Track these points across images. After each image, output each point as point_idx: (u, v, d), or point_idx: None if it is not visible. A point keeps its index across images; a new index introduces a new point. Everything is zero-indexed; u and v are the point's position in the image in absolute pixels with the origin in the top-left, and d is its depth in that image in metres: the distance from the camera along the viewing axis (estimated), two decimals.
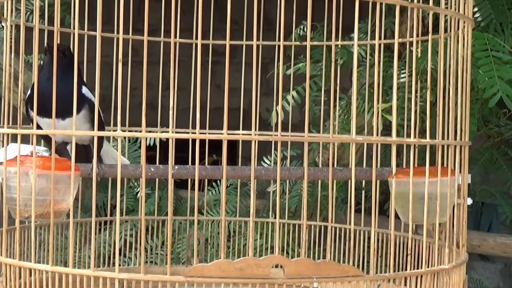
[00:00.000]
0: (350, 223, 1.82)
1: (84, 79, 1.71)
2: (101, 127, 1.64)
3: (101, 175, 1.48)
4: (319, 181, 2.06)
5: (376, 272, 1.34)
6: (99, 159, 1.69)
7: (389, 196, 1.48)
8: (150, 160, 1.66)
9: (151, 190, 2.62)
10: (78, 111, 1.53)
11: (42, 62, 2.09)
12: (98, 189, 1.72)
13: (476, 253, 3.36)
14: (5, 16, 1.44)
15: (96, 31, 1.29)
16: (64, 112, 1.44)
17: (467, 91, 1.52)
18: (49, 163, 1.31)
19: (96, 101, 1.40)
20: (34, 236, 1.32)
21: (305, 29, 2.32)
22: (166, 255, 2.27)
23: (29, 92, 1.59)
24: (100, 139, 1.71)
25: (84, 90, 1.59)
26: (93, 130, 1.31)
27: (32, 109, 1.52)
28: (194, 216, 1.65)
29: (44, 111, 1.40)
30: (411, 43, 1.89)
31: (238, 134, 1.83)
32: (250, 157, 1.28)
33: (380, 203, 2.22)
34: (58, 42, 1.37)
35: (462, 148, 1.50)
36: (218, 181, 2.71)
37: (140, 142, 2.61)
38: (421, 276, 1.42)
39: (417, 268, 1.45)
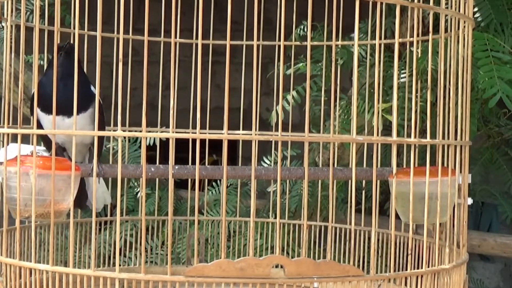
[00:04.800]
0: (350, 223, 1.83)
1: None
2: (103, 128, 1.65)
3: (102, 175, 1.48)
4: (319, 181, 2.06)
5: (377, 272, 1.34)
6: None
7: (389, 196, 1.48)
8: (150, 160, 1.65)
9: (151, 190, 2.62)
10: (86, 109, 1.54)
11: (43, 62, 2.09)
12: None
13: (476, 253, 3.36)
14: (5, 16, 1.44)
15: (96, 31, 1.29)
16: (72, 110, 1.41)
17: (467, 91, 1.52)
18: (49, 163, 1.31)
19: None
20: (34, 236, 1.32)
21: (305, 29, 2.32)
22: (166, 255, 2.28)
23: (33, 90, 1.59)
24: (101, 139, 1.71)
25: (93, 88, 1.59)
26: (97, 130, 1.31)
27: (38, 106, 1.52)
28: (194, 216, 1.65)
29: (52, 108, 1.37)
30: (411, 43, 1.89)
31: (238, 134, 1.83)
32: (250, 157, 1.28)
33: (380, 203, 2.22)
34: (59, 42, 1.37)
35: (462, 148, 1.50)
36: (218, 181, 2.71)
37: (140, 142, 2.61)
38: (422, 276, 1.42)
39: (418, 268, 1.45)
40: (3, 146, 1.41)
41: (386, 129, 1.85)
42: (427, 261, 1.44)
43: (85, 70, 1.70)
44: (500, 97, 1.82)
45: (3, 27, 2.39)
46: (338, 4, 1.69)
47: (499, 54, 1.86)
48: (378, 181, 1.74)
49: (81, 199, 1.66)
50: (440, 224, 1.44)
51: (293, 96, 2.16)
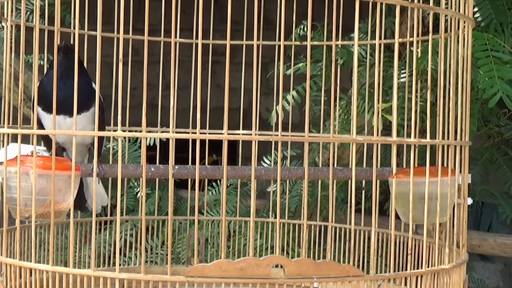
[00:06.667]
0: (350, 223, 1.83)
1: None
2: (103, 127, 1.65)
3: (102, 175, 1.48)
4: (319, 181, 2.06)
5: (376, 272, 1.34)
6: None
7: (389, 196, 1.48)
8: (150, 160, 1.66)
9: (151, 190, 2.62)
10: (88, 108, 1.54)
11: (43, 62, 2.09)
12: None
13: (476, 253, 3.36)
14: (5, 16, 1.44)
15: (96, 31, 1.29)
16: (73, 109, 1.40)
17: (467, 91, 1.52)
18: (49, 163, 1.31)
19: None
20: (34, 236, 1.32)
21: (305, 29, 2.32)
22: (166, 255, 2.28)
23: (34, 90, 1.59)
24: (101, 139, 1.71)
25: (94, 86, 1.59)
26: (98, 130, 1.31)
27: (40, 106, 1.52)
28: (194, 216, 1.65)
29: (57, 108, 1.35)
30: (411, 43, 1.89)
31: (238, 134, 1.83)
32: (250, 157, 1.28)
33: (380, 203, 2.22)
34: (59, 42, 1.37)
35: (462, 148, 1.50)
36: (218, 181, 2.71)
37: (140, 142, 2.61)
38: (421, 276, 1.42)
39: (417, 268, 1.45)
40: (3, 146, 1.41)
41: (386, 129, 1.85)
42: (427, 261, 1.44)
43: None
44: (500, 97, 1.82)
45: (3, 27, 2.39)
46: (338, 4, 1.69)
47: (499, 54, 1.86)
48: (378, 181, 1.74)
49: (80, 201, 1.66)
50: (440, 224, 1.44)
51: (293, 96, 2.16)
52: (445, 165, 1.46)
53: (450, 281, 1.45)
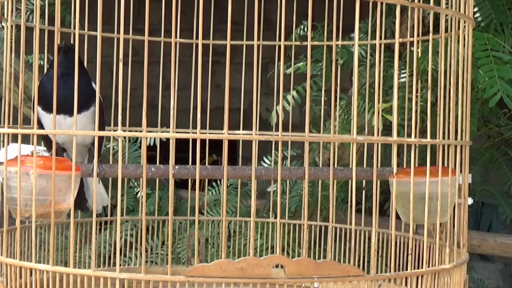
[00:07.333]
0: (350, 223, 1.83)
1: None
2: (103, 127, 1.65)
3: (102, 175, 1.48)
4: (319, 181, 2.06)
5: (377, 272, 1.34)
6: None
7: (390, 196, 1.48)
8: (150, 160, 1.66)
9: (151, 190, 2.62)
10: (88, 108, 1.54)
11: (43, 62, 2.09)
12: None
13: (476, 253, 3.36)
14: (5, 16, 1.44)
15: (96, 31, 1.29)
16: (73, 108, 1.40)
17: (468, 91, 1.52)
18: (49, 163, 1.31)
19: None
20: (35, 236, 1.32)
21: (305, 29, 2.32)
22: (167, 255, 2.28)
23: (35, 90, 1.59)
24: (101, 139, 1.71)
25: (94, 85, 1.58)
26: (98, 130, 1.31)
27: (40, 105, 1.52)
28: (194, 216, 1.65)
29: (57, 108, 1.35)
30: (411, 43, 1.89)
31: (239, 134, 1.83)
32: (250, 157, 1.28)
33: (381, 203, 2.22)
34: (59, 42, 1.37)
35: (462, 148, 1.50)
36: (218, 181, 2.71)
37: (140, 142, 2.61)
38: (422, 276, 1.42)
39: (418, 268, 1.45)
40: (3, 146, 1.41)
41: (386, 129, 1.85)
42: (427, 261, 1.44)
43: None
44: (500, 97, 1.82)
45: (3, 27, 2.39)
46: (338, 4, 1.69)
47: (499, 54, 1.86)
48: (378, 181, 1.74)
49: (81, 201, 1.66)
50: (440, 224, 1.44)
51: (293, 96, 2.16)
52: (445, 165, 1.46)
53: (451, 281, 1.45)
